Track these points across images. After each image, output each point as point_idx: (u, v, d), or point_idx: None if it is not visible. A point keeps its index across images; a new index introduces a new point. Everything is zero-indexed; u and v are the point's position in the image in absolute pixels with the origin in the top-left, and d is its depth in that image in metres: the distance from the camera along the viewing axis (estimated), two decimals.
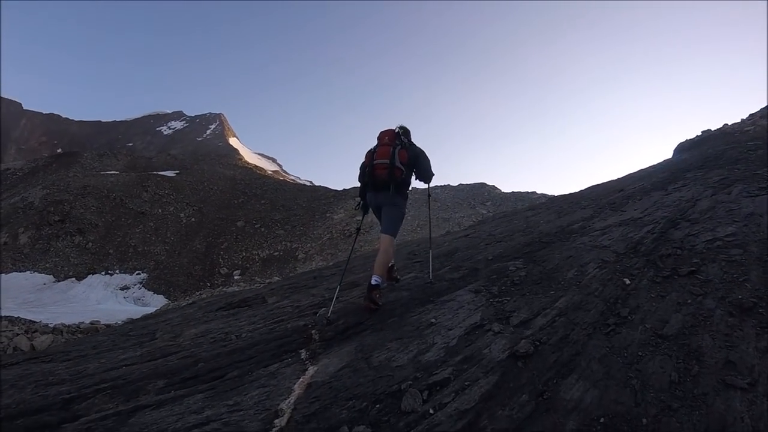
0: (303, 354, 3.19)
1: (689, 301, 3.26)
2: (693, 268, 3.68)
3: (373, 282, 3.85)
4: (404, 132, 4.36)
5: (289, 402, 2.43)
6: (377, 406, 2.31)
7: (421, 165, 4.27)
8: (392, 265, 4.35)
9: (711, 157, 8.27)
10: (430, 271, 4.58)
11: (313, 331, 3.59)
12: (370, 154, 4.22)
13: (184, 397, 2.66)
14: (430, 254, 4.79)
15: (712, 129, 13.05)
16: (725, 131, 12.25)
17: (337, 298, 4.32)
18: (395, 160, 4.06)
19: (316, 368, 2.84)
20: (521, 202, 26.31)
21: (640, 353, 2.69)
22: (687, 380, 2.40)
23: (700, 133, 13.07)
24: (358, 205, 4.51)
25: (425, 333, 3.18)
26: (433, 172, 4.36)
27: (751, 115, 12.52)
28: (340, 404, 2.36)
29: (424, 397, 2.32)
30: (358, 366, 2.78)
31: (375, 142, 4.28)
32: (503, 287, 4.01)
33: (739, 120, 12.69)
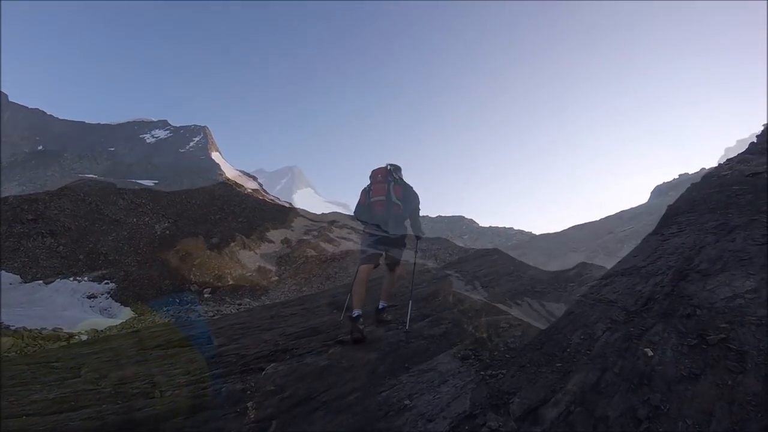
0: None
1: (729, 382, 2.55)
2: (723, 335, 3.00)
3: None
4: (395, 168, 4.44)
5: None
6: None
7: (410, 200, 4.37)
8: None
9: (698, 201, 7.87)
10: (408, 319, 3.93)
11: (249, 404, 2.74)
12: (366, 193, 4.36)
13: None
14: (410, 305, 4.06)
15: (689, 173, 13.04)
16: (703, 175, 12.18)
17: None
18: (391, 195, 4.19)
19: None
20: (499, 238, 25.84)
21: None
22: None
23: (677, 176, 13.03)
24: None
25: (396, 425, 2.36)
26: (419, 208, 4.52)
27: (728, 160, 12.48)
28: None
29: None
30: None
31: (367, 182, 4.43)
32: (496, 353, 3.25)
33: (716, 164, 12.67)
